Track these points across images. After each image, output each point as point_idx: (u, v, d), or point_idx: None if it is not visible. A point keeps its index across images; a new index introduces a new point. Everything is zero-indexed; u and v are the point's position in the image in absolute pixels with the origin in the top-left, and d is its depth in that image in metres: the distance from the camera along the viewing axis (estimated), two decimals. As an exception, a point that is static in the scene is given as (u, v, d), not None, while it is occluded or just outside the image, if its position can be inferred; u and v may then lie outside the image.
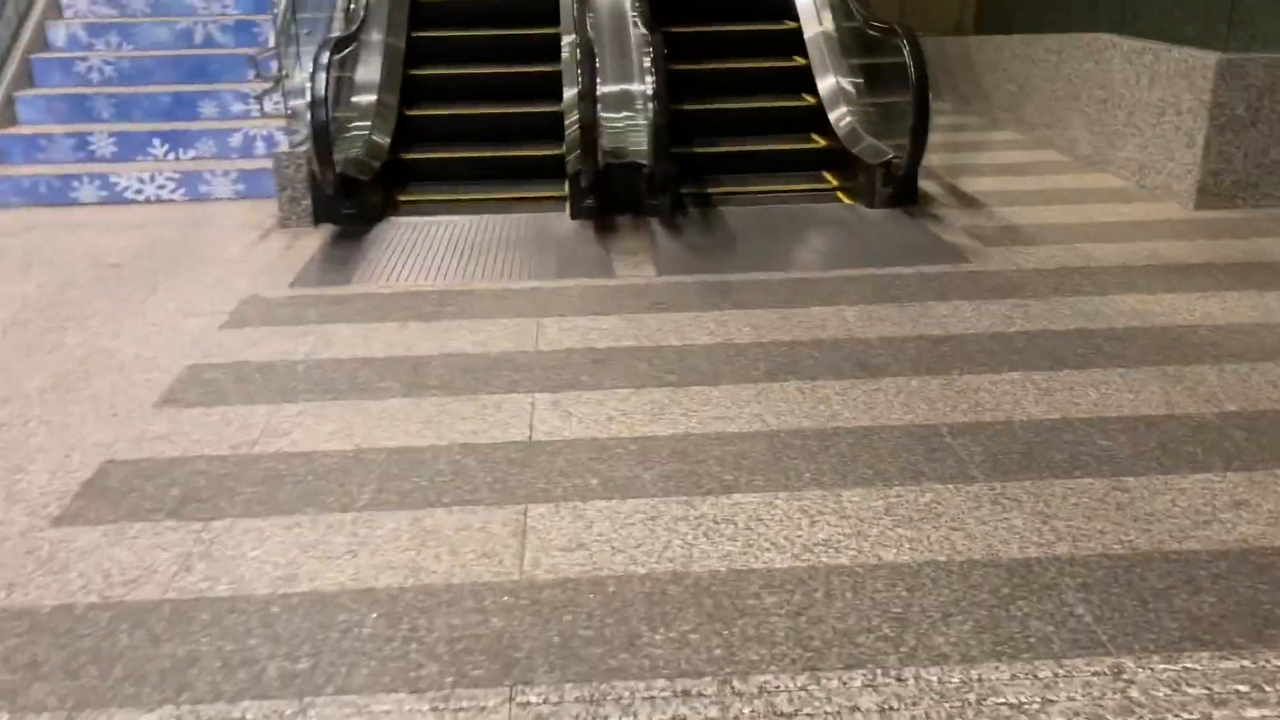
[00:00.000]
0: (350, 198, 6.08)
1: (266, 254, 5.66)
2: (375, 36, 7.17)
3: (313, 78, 5.66)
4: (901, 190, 6.20)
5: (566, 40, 7.49)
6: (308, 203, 6.14)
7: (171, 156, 7.10)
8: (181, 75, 7.57)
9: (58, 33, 7.78)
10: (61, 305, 4.89)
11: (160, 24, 7.84)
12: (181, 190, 6.83)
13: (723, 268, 5.23)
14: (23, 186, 6.75)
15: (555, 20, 7.76)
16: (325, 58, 5.70)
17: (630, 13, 6.89)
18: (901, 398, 3.67)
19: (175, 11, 8.03)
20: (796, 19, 7.68)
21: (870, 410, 3.58)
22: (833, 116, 6.81)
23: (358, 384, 3.91)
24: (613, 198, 6.25)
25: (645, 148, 6.25)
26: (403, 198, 6.69)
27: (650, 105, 5.65)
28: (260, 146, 7.09)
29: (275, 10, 6.43)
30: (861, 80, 6.92)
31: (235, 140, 7.09)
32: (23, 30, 7.59)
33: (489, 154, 7.02)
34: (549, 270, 5.27)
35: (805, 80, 7.32)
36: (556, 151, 6.94)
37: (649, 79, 5.69)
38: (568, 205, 6.47)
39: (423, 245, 5.72)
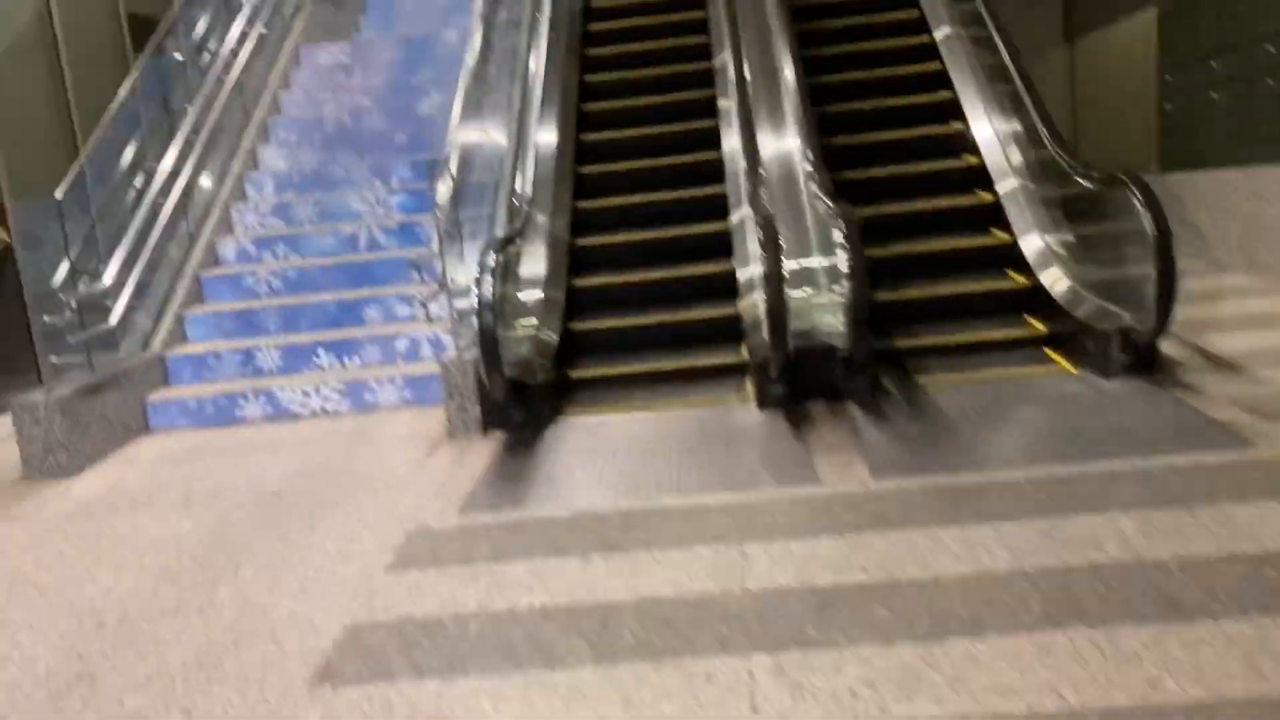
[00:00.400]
0: (520, 401, 5.62)
1: (434, 472, 5.20)
2: (540, 222, 6.86)
3: (478, 282, 5.28)
4: (1141, 356, 5.35)
5: (737, 216, 7.05)
6: (476, 410, 5.71)
7: (337, 366, 6.85)
8: (346, 281, 7.42)
9: (227, 248, 7.78)
10: (217, 548, 4.48)
11: (327, 232, 7.76)
12: (347, 401, 6.53)
13: (949, 465, 4.48)
14: (190, 408, 6.57)
15: (720, 178, 7.36)
16: (490, 260, 5.34)
17: (804, 182, 6.37)
18: (1237, 653, 2.80)
19: (341, 218, 7.96)
20: (990, 186, 7.02)
21: (1200, 674, 2.73)
22: (1046, 280, 6.06)
23: (539, 646, 3.28)
24: (802, 381, 5.61)
25: (838, 328, 5.63)
26: (574, 373, 6.24)
27: (846, 284, 5.04)
28: (426, 351, 6.78)
29: (437, 212, 6.18)
30: (1072, 238, 6.16)
31: (400, 345, 6.80)
32: (194, 249, 7.60)
33: (660, 319, 6.56)
34: (743, 476, 4.62)
35: (1009, 254, 6.63)
36: (731, 311, 6.41)
37: (842, 254, 5.10)
38: (751, 389, 5.87)
39: (599, 451, 5.17)
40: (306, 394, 6.54)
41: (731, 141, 7.66)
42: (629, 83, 8.66)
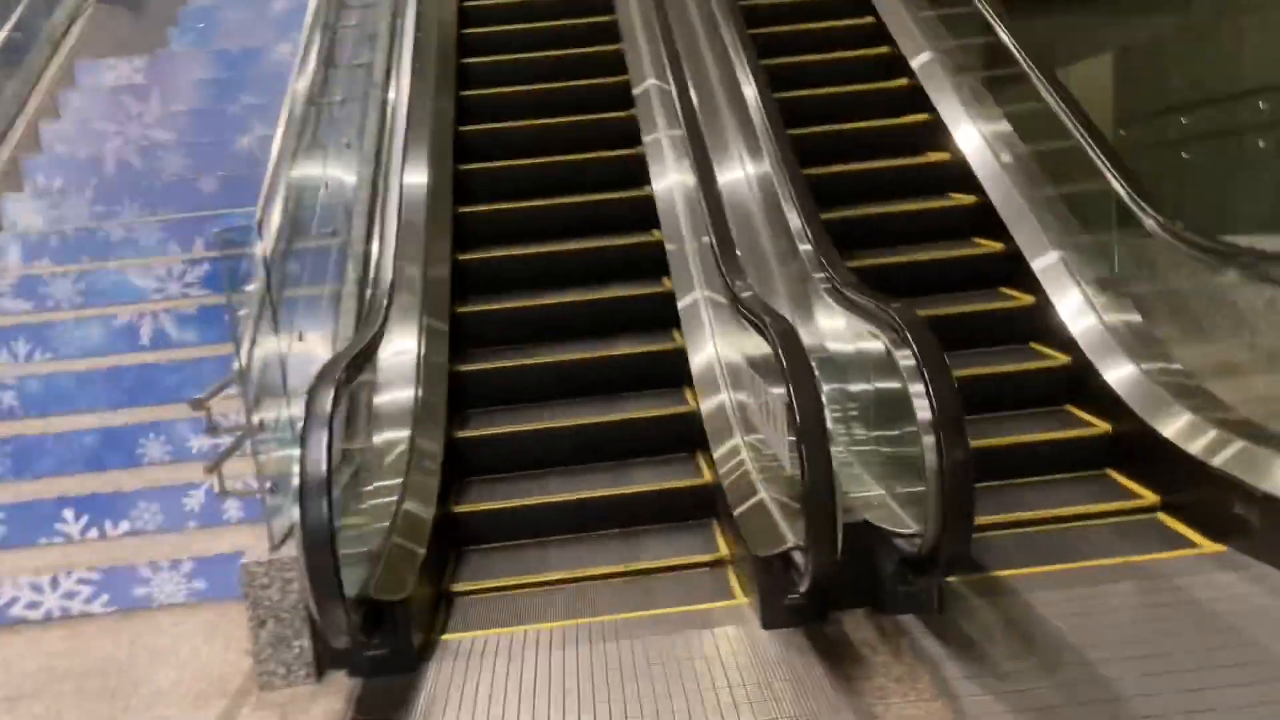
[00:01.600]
0: (378, 626, 3.41)
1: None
2: (407, 328, 4.70)
3: (304, 441, 3.06)
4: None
5: (689, 298, 5.02)
6: (303, 642, 3.48)
7: (92, 534, 4.50)
8: (117, 396, 5.07)
9: (-56, 348, 5.34)
10: None
11: (93, 319, 5.39)
12: (104, 597, 4.20)
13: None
14: None
15: (668, 324, 5.26)
16: (326, 401, 3.13)
17: (819, 280, 4.35)
18: None
19: (117, 299, 5.60)
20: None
21: None
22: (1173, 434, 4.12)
23: None
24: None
25: (887, 503, 3.63)
26: (458, 587, 4.10)
27: (933, 437, 3.02)
28: (233, 509, 4.50)
29: (238, 305, 3.94)
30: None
31: (192, 502, 4.49)
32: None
33: (585, 495, 4.50)
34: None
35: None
36: (695, 482, 4.39)
37: (916, 388, 3.09)
38: (739, 586, 3.85)
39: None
40: (38, 588, 4.17)
41: (667, 180, 5.69)
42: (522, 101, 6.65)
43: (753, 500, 3.82)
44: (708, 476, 4.44)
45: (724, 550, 4.17)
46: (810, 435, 2.99)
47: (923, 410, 3.07)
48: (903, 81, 6.35)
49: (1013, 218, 5.14)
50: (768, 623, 3.54)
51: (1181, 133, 9.51)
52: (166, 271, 5.64)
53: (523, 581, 4.12)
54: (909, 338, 3.16)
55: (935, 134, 5.92)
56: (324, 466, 3.01)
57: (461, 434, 4.76)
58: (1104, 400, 4.35)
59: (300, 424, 3.09)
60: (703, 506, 4.42)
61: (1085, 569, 3.76)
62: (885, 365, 3.56)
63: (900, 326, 3.23)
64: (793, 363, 3.11)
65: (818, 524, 3.00)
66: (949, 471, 3.00)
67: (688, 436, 4.70)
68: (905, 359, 3.18)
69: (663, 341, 5.17)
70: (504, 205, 6.01)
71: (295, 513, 3.03)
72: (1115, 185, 4.33)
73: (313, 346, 4.48)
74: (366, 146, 5.82)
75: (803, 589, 3.19)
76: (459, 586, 4.11)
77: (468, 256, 5.74)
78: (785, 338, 3.22)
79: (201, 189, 6.30)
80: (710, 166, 5.06)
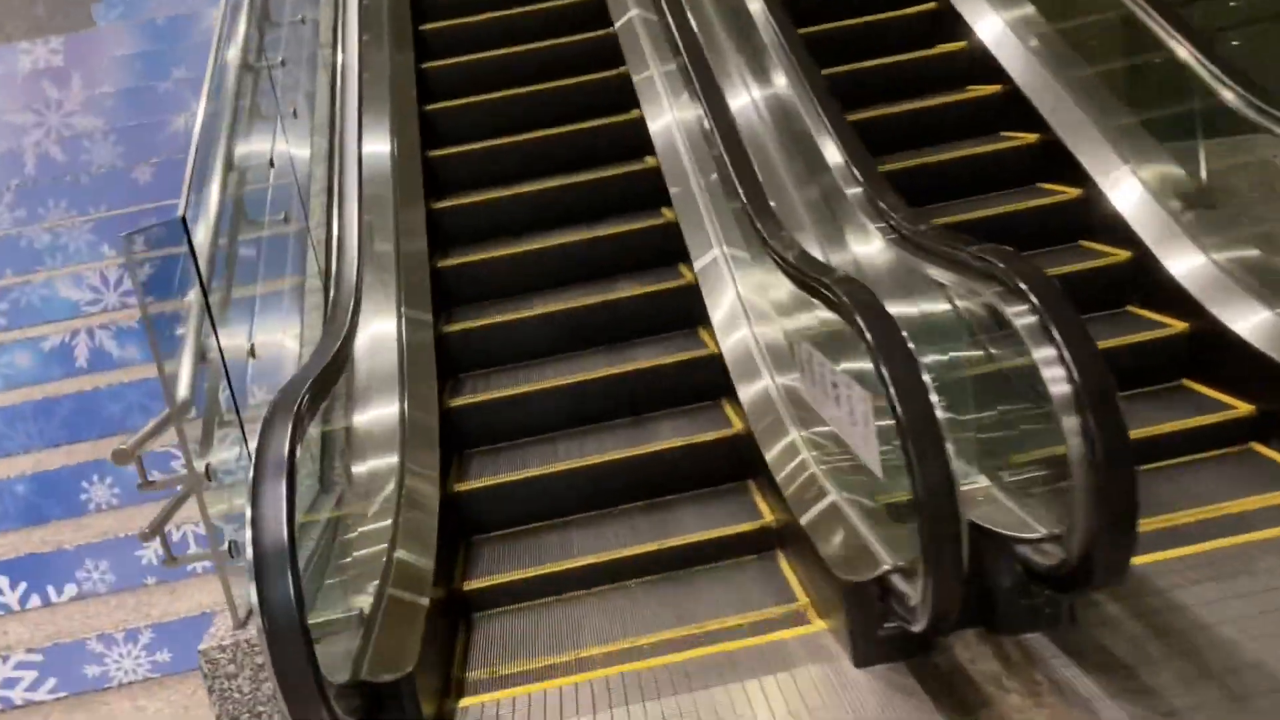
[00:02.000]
0: (379, 709, 2.71)
1: None
2: (382, 325, 3.96)
3: (255, 497, 2.33)
4: None
5: (706, 258, 4.30)
6: (286, 738, 2.79)
7: (34, 602, 3.79)
8: (52, 433, 4.33)
9: None
10: None
11: (19, 342, 4.64)
12: (51, 681, 3.50)
13: None
14: None
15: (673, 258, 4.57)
16: (282, 442, 2.40)
17: (878, 230, 3.58)
18: None
19: (44, 316, 4.84)
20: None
21: None
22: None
23: None
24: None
25: (991, 492, 2.94)
26: (470, 586, 3.48)
27: (1078, 418, 2.30)
28: (198, 563, 3.78)
29: (149, 326, 3.22)
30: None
31: (148, 554, 3.78)
32: None
33: (601, 460, 3.92)
34: None
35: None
36: (724, 433, 3.71)
37: (1050, 352, 2.36)
38: (837, 622, 3.15)
39: None
40: (-32, 677, 3.48)
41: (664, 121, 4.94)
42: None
43: (824, 503, 3.11)
44: (738, 426, 3.82)
45: (767, 516, 3.56)
46: (921, 433, 2.28)
47: (1058, 383, 2.35)
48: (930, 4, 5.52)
49: (1092, 162, 4.31)
50: (861, 659, 2.85)
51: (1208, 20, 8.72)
52: (100, 279, 4.88)
53: (544, 573, 3.55)
54: (1029, 291, 2.42)
55: (973, 65, 5.12)
56: (284, 529, 2.29)
57: (456, 402, 4.16)
58: (1240, 359, 3.56)
59: (250, 484, 2.36)
60: (737, 465, 3.82)
61: (1238, 548, 3.07)
62: (975, 328, 2.86)
63: (1012, 278, 2.49)
64: (884, 342, 2.38)
65: (939, 548, 2.30)
66: (1104, 461, 2.29)
67: (712, 384, 4.07)
68: (1023, 318, 2.45)
69: (671, 279, 4.53)
70: (478, 145, 5.39)
71: (254, 600, 2.31)
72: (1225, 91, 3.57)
73: (277, 351, 3.80)
74: (319, 112, 5.08)
75: (918, 628, 2.49)
76: (471, 585, 3.53)
77: (443, 204, 5.13)
78: (868, 311, 2.49)
79: (135, 179, 5.50)
80: (713, 79, 4.30)
